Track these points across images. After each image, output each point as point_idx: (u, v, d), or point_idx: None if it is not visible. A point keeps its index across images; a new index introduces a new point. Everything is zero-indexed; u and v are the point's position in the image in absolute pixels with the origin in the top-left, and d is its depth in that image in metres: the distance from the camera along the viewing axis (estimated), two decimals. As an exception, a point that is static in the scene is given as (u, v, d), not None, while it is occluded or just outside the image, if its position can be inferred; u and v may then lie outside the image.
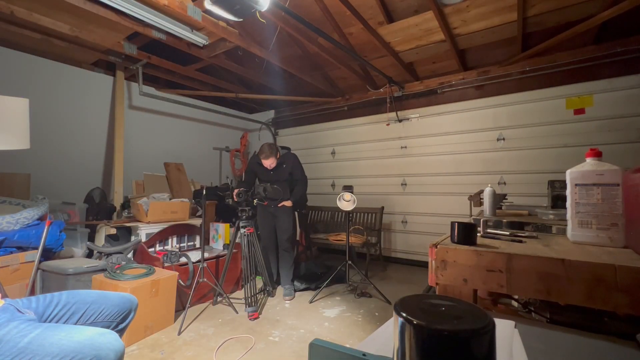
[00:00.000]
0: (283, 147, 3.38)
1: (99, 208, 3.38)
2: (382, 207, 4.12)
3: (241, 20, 2.25)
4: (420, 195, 4.25)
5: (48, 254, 2.40)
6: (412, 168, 4.31)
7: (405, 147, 4.37)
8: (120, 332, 1.29)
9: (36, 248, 2.20)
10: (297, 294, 3.11)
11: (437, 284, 1.07)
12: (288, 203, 3.05)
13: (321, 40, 3.25)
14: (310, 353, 0.60)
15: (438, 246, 1.07)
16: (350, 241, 3.22)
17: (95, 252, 2.75)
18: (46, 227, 2.17)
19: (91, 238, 2.99)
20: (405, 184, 4.36)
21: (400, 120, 4.38)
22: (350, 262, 3.08)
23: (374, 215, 4.14)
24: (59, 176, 3.46)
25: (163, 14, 2.54)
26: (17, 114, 1.80)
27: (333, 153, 5.06)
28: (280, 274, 3.14)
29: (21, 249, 2.29)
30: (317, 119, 5.21)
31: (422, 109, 4.25)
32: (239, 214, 2.76)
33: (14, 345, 0.92)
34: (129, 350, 2.04)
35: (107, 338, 1.03)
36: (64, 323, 1.18)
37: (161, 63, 3.79)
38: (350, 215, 3.70)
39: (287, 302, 2.93)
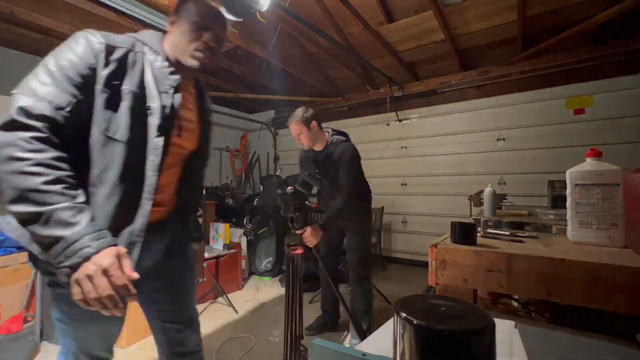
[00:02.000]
0: (338, 132, 2.24)
1: (99, 208, 3.38)
2: (382, 207, 4.12)
3: (241, 20, 2.25)
4: (420, 196, 4.25)
5: (48, 254, 2.39)
6: (412, 168, 4.31)
7: (406, 147, 4.37)
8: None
9: (36, 248, 2.20)
10: (297, 294, 3.10)
11: (437, 284, 1.07)
12: (309, 234, 1.91)
13: (321, 40, 3.25)
14: (310, 353, 0.60)
15: (438, 246, 1.08)
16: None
17: (95, 252, 2.75)
18: (46, 227, 2.16)
19: (91, 238, 2.98)
20: (405, 184, 4.36)
21: (400, 120, 4.38)
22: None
23: (374, 215, 4.13)
24: (59, 176, 3.46)
25: (163, 14, 2.54)
26: (17, 114, 1.80)
27: (333, 153, 5.05)
28: (350, 317, 1.99)
29: (21, 249, 2.29)
30: (317, 119, 5.22)
31: (422, 109, 4.25)
32: (290, 224, 1.85)
33: None
34: (129, 350, 2.05)
35: None
36: None
37: (161, 63, 3.79)
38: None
39: None
